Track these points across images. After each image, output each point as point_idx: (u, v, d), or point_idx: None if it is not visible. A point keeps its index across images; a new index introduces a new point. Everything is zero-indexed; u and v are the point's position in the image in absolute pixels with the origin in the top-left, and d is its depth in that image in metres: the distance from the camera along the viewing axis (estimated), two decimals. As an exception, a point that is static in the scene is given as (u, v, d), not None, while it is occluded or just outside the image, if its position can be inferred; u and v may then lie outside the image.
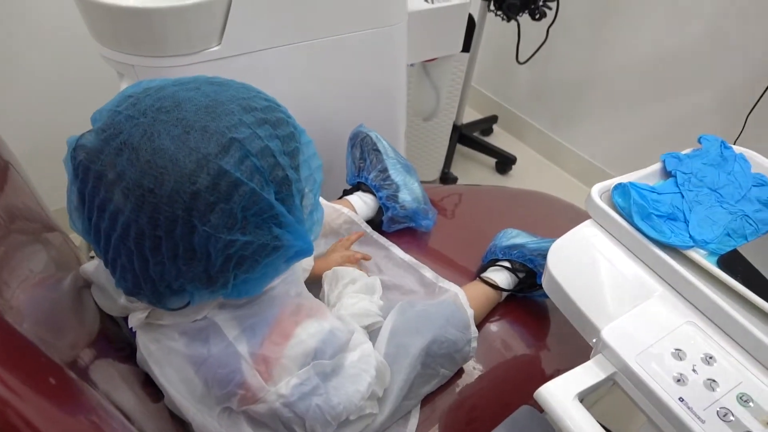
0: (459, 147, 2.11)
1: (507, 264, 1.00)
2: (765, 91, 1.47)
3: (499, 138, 2.33)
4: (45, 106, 1.46)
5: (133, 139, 0.47)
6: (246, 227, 0.51)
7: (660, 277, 0.64)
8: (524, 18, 1.79)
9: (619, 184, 0.70)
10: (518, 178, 2.15)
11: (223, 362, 0.56)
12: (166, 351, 0.58)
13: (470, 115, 2.30)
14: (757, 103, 1.50)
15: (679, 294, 0.62)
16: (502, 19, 1.81)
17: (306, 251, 0.57)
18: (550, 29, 1.85)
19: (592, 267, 0.67)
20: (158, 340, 0.59)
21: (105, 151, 0.48)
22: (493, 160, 2.17)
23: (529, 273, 0.99)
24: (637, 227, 0.66)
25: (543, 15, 1.82)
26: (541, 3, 1.80)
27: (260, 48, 1.05)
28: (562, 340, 1.01)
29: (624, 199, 0.68)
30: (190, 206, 0.48)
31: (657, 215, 0.66)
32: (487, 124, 2.30)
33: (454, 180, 2.06)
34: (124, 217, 0.48)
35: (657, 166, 0.78)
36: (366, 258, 0.98)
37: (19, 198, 0.72)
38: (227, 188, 0.49)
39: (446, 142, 1.93)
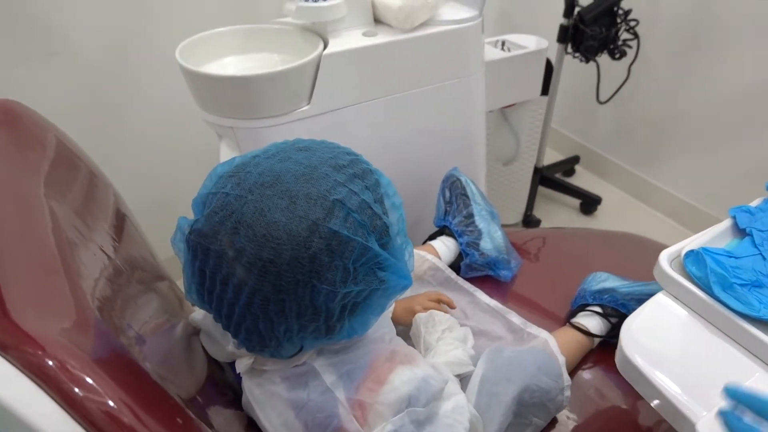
0: (541, 189, 2.09)
1: (598, 309, 0.97)
2: None
3: (582, 178, 2.28)
4: (153, 165, 1.60)
5: (246, 217, 0.51)
6: (357, 277, 0.54)
7: (754, 355, 0.58)
8: (604, 57, 1.78)
9: (691, 251, 0.65)
10: (605, 219, 2.08)
11: (322, 407, 0.59)
12: (269, 395, 0.61)
13: (552, 157, 2.28)
14: None
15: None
16: (581, 60, 1.81)
17: (407, 285, 0.60)
18: (632, 67, 1.82)
19: (674, 347, 0.62)
20: (261, 385, 0.62)
21: (221, 232, 0.52)
22: (577, 201, 2.12)
23: (622, 318, 0.96)
24: (719, 300, 0.60)
25: (623, 54, 1.80)
26: (620, 42, 1.78)
27: (345, 105, 1.12)
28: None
29: (699, 268, 0.63)
30: (309, 269, 0.51)
31: (740, 284, 0.61)
32: (569, 165, 2.27)
33: (537, 223, 2.03)
34: (249, 288, 0.52)
35: (727, 224, 0.72)
36: (451, 305, 0.99)
37: (135, 249, 0.79)
38: (339, 247, 0.52)
39: (528, 185, 1.91)
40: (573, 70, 2.00)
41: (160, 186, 1.63)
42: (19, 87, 1.33)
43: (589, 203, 2.08)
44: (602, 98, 1.89)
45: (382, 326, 0.68)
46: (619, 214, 2.10)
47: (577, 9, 1.74)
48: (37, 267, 0.49)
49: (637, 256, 1.28)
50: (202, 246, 0.53)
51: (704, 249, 0.65)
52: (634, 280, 1.01)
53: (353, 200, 0.54)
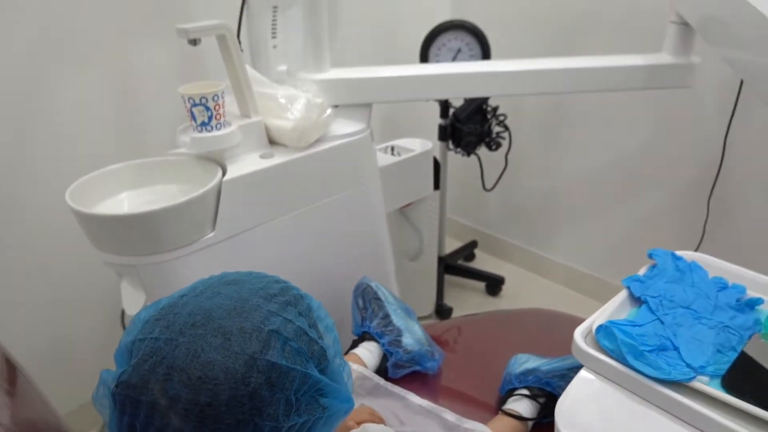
0: (447, 277, 2.16)
1: (525, 392, 1.00)
2: (718, 173, 1.59)
3: (483, 261, 2.39)
4: (42, 307, 1.47)
5: (178, 361, 0.49)
6: (300, 408, 0.52)
7: (675, 416, 0.63)
8: (482, 150, 1.95)
9: (600, 326, 0.70)
10: (510, 297, 2.18)
11: None
12: None
13: (451, 245, 2.38)
14: (714, 186, 1.62)
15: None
16: (462, 155, 1.96)
17: (350, 408, 0.58)
18: (508, 155, 2.00)
19: (605, 421, 0.65)
20: None
21: (152, 381, 0.49)
22: (482, 284, 2.21)
23: (548, 397, 0.99)
24: (634, 368, 0.65)
25: (498, 145, 1.98)
26: (494, 135, 1.96)
27: (250, 227, 1.12)
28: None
29: (610, 341, 0.68)
30: (250, 406, 0.49)
31: (648, 350, 0.66)
32: (468, 250, 2.38)
33: (449, 310, 2.08)
34: None
35: (624, 294, 0.79)
36: (382, 421, 0.97)
37: (34, 409, 0.71)
38: (279, 378, 0.50)
39: (434, 276, 1.97)
40: (457, 162, 2.16)
41: (52, 333, 1.49)
42: None
43: (494, 284, 2.18)
44: (487, 186, 2.04)
45: None
46: (522, 290, 2.20)
47: (451, 110, 1.92)
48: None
49: (550, 329, 1.35)
50: (131, 398, 0.50)
51: (611, 322, 0.70)
52: (553, 355, 1.06)
53: (288, 328, 0.53)
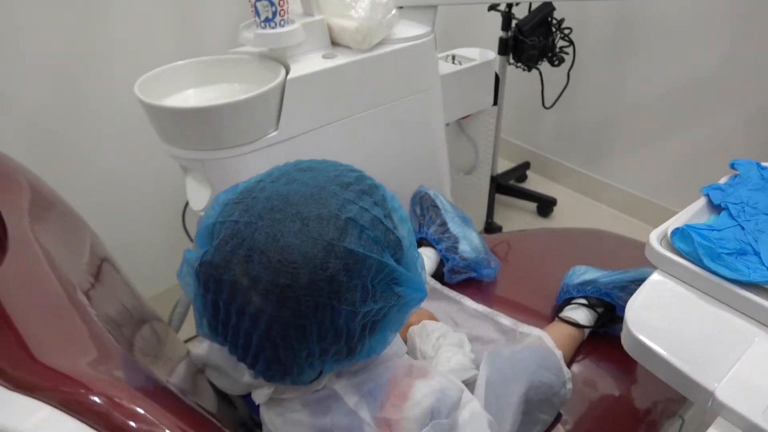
0: (498, 197, 2.14)
1: (583, 301, 1.00)
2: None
3: (534, 183, 2.35)
4: (114, 201, 1.53)
5: (258, 244, 0.50)
6: (375, 295, 0.53)
7: (753, 318, 0.61)
8: (543, 65, 1.87)
9: (676, 229, 0.68)
10: (561, 219, 2.15)
11: (347, 429, 0.57)
12: (291, 423, 0.59)
13: (503, 165, 2.34)
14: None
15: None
16: (523, 69, 1.89)
17: (423, 297, 0.59)
18: (571, 72, 1.92)
19: (678, 321, 0.64)
20: (282, 414, 0.60)
21: (234, 261, 0.50)
22: (533, 205, 2.19)
23: (607, 307, 0.99)
24: (711, 270, 0.63)
25: (561, 60, 1.89)
26: (558, 50, 1.87)
27: (311, 128, 1.12)
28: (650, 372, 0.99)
29: (687, 244, 0.66)
30: (328, 291, 0.50)
31: (727, 253, 0.64)
32: (521, 171, 2.34)
33: (499, 229, 2.07)
34: (267, 316, 0.51)
35: (702, 202, 0.76)
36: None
37: (118, 290, 0.75)
38: (356, 265, 0.51)
39: (486, 194, 1.96)
40: (513, 81, 2.08)
41: (117, 235, 1.56)
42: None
43: (545, 205, 2.15)
44: (547, 104, 1.97)
45: (395, 342, 0.67)
46: (574, 212, 2.17)
47: (514, 22, 1.83)
48: (46, 306, 0.46)
49: (603, 249, 1.33)
50: (215, 277, 0.51)
51: (688, 225, 0.68)
52: (610, 269, 1.05)
53: (365, 217, 0.53)
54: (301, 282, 0.49)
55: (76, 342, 0.43)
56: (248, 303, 0.51)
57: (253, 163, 1.04)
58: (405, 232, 0.59)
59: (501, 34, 1.87)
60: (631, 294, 0.97)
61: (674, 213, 0.74)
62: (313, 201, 0.52)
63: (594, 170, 2.19)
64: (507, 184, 2.18)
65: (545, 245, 1.36)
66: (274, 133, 1.06)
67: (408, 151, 1.32)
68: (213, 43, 1.47)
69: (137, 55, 1.38)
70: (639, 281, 0.98)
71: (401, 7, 1.22)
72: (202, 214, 1.10)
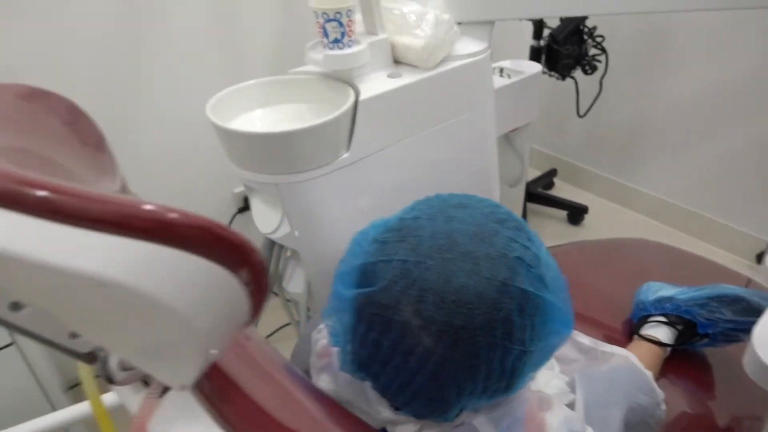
0: (529, 205, 2.14)
1: (663, 318, 1.00)
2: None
3: (562, 190, 2.36)
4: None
5: (431, 284, 0.49)
6: (540, 333, 0.53)
7: None
8: (576, 74, 1.87)
9: None
10: (593, 227, 2.16)
11: None
12: None
13: (530, 173, 2.34)
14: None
15: None
16: (557, 78, 1.89)
17: (570, 333, 0.59)
18: (603, 80, 1.92)
19: None
20: None
21: (404, 301, 0.50)
22: (563, 213, 2.19)
23: (687, 325, 0.99)
24: None
25: (594, 68, 1.90)
26: (590, 58, 1.88)
27: (380, 148, 1.11)
28: (731, 388, 0.99)
29: None
30: (502, 331, 0.50)
31: None
32: (548, 179, 2.34)
33: (532, 238, 2.07)
34: (438, 357, 0.50)
35: None
36: None
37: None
38: (527, 305, 0.51)
39: (521, 204, 1.95)
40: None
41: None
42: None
43: (576, 213, 2.15)
44: (580, 112, 1.97)
45: None
46: (605, 220, 2.17)
47: (547, 30, 1.83)
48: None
49: (657, 260, 1.33)
50: (382, 317, 0.51)
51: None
52: (678, 284, 1.05)
53: (527, 255, 0.53)
54: (476, 322, 0.49)
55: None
56: (417, 344, 0.50)
57: (325, 185, 1.04)
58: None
59: (532, 42, 1.87)
60: (711, 311, 0.98)
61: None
62: (478, 240, 0.52)
63: (625, 177, 2.20)
64: (537, 192, 2.19)
65: (595, 258, 1.36)
66: (346, 155, 1.05)
67: (463, 166, 1.32)
68: (256, 62, 1.47)
69: (181, 76, 1.38)
70: (718, 298, 0.99)
71: (459, 23, 1.22)
72: (275, 235, 1.09)
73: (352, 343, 0.54)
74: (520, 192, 1.84)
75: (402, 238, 0.53)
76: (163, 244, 0.26)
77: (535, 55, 1.86)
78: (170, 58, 1.39)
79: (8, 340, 0.93)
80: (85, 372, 0.48)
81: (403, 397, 0.54)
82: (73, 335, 0.34)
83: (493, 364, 0.51)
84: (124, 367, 0.36)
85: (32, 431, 0.84)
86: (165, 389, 0.37)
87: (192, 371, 0.32)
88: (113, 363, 0.35)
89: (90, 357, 0.36)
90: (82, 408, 0.86)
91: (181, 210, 0.27)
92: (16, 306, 0.32)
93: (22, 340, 0.94)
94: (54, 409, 1.02)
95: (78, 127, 0.41)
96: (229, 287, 0.28)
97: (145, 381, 0.38)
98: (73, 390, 1.29)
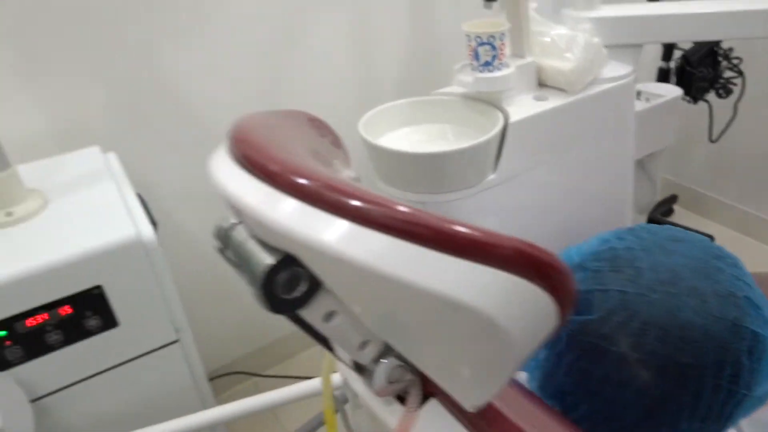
0: (647, 232, 2.06)
1: None
2: None
3: (682, 217, 2.24)
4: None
5: (654, 318, 0.48)
6: (763, 378, 0.50)
7: None
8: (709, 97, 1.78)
9: None
10: (717, 258, 2.03)
11: None
12: None
13: (645, 197, 2.25)
14: None
15: None
16: (689, 101, 1.80)
17: None
18: (738, 104, 1.81)
19: None
20: None
21: (623, 333, 0.49)
22: (685, 242, 2.08)
23: None
24: None
25: (729, 92, 1.80)
26: (725, 81, 1.78)
27: (524, 170, 1.11)
28: None
29: None
30: (731, 373, 0.48)
31: None
32: (668, 205, 2.24)
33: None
34: (658, 391, 0.48)
35: None
36: None
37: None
38: (757, 347, 0.49)
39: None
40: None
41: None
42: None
43: (701, 243, 2.04)
44: (706, 137, 1.87)
45: None
46: (732, 251, 2.04)
47: (680, 52, 1.75)
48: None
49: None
50: (599, 348, 0.50)
51: None
52: None
53: (754, 294, 0.51)
54: (705, 361, 0.47)
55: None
56: (634, 377, 0.49)
57: (471, 206, 1.05)
58: None
59: (661, 64, 1.80)
60: None
61: None
62: (703, 276, 0.50)
63: (756, 206, 2.06)
64: (656, 219, 2.09)
65: None
66: (493, 176, 1.05)
67: (600, 190, 1.29)
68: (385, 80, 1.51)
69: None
70: None
71: (606, 46, 1.20)
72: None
73: (554, 370, 0.54)
74: (643, 219, 1.78)
75: (616, 269, 0.52)
76: (500, 268, 0.27)
77: (663, 76, 1.79)
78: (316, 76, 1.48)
79: (173, 338, 1.00)
80: (327, 386, 0.52)
81: (608, 428, 0.53)
82: (362, 346, 0.37)
83: (713, 407, 0.49)
84: (390, 381, 0.38)
85: (187, 426, 0.90)
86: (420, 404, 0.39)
87: (492, 392, 0.33)
88: (382, 376, 0.37)
89: (361, 367, 0.38)
90: (233, 408, 0.92)
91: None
92: (329, 316, 0.35)
93: (185, 337, 1.01)
94: (203, 404, 1.09)
95: (324, 131, 0.49)
96: (545, 308, 0.29)
97: (400, 396, 0.40)
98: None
